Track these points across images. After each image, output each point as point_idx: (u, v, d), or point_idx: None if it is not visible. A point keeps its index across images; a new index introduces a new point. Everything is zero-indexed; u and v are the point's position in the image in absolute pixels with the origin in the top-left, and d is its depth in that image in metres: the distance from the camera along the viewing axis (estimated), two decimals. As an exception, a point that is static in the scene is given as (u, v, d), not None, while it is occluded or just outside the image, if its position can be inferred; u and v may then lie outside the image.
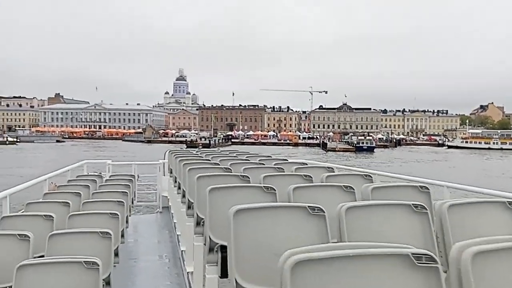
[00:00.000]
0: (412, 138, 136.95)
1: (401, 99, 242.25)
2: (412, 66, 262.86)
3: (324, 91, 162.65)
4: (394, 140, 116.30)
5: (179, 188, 5.75)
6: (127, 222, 5.06)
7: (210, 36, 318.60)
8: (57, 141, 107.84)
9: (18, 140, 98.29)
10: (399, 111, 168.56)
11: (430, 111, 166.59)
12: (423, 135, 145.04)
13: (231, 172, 4.69)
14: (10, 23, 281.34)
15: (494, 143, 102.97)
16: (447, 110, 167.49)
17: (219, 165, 5.50)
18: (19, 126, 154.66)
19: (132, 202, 6.22)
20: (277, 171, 4.78)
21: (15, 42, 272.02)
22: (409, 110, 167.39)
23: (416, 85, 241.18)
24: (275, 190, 3.13)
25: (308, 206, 2.31)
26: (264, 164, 5.63)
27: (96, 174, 8.34)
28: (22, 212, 4.70)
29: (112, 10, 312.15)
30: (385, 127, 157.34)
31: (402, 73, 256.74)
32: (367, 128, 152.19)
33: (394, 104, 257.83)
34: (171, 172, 7.70)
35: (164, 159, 10.51)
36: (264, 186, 3.18)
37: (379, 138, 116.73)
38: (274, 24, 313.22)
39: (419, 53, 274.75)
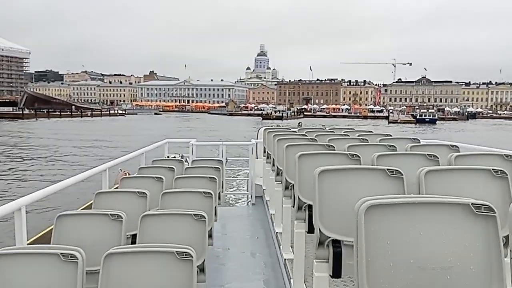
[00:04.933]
0: (489, 111, 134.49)
1: (489, 71, 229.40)
2: (503, 39, 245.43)
3: (408, 63, 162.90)
4: (467, 113, 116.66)
5: (273, 164, 5.43)
6: (215, 214, 4.30)
7: (296, 14, 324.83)
8: (155, 113, 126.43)
9: (125, 112, 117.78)
10: (484, 83, 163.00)
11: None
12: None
13: (317, 142, 4.79)
14: (109, 5, 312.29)
15: None
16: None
17: (306, 136, 5.54)
18: (120, 101, 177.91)
19: (219, 197, 5.20)
20: (361, 141, 4.90)
21: (114, 24, 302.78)
22: (496, 82, 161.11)
23: (505, 57, 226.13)
24: (359, 157, 3.29)
25: (387, 169, 2.51)
26: (348, 136, 5.66)
27: (176, 158, 6.90)
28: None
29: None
30: (467, 100, 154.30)
31: (492, 45, 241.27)
32: (446, 101, 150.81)
33: (481, 77, 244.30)
34: (268, 157, 6.61)
35: (257, 138, 9.18)
36: (349, 154, 3.34)
37: (454, 111, 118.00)
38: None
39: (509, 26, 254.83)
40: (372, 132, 6.63)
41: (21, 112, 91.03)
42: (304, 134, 6.01)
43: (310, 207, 2.96)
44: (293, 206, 3.41)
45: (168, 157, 7.74)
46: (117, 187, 5.04)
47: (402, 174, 2.50)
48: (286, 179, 4.05)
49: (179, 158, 6.99)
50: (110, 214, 3.10)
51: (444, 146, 4.32)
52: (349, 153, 3.38)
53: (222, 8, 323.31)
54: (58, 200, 10.95)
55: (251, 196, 8.57)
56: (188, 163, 6.90)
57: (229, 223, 7.02)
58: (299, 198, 3.20)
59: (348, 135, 5.81)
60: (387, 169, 2.52)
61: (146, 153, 6.79)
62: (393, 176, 2.50)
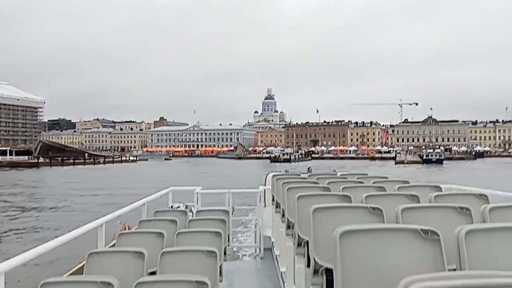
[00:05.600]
0: (498, 150, 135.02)
1: (495, 109, 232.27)
2: (508, 77, 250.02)
3: (414, 103, 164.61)
4: (474, 153, 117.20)
5: (283, 215, 5.09)
6: (220, 273, 4.02)
7: (302, 56, 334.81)
8: (165, 159, 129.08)
9: (137, 158, 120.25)
10: (491, 122, 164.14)
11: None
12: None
13: (330, 191, 4.47)
14: (120, 54, 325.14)
15: None
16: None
17: (318, 184, 5.28)
18: (130, 147, 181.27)
19: (225, 252, 4.83)
20: (378, 190, 4.55)
21: (125, 72, 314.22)
22: (502, 121, 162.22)
23: (510, 95, 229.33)
24: (382, 211, 2.95)
25: (421, 229, 2.18)
26: (363, 183, 5.40)
27: (180, 209, 6.67)
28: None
29: (206, 42, 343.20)
30: (474, 139, 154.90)
31: (497, 84, 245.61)
32: (453, 141, 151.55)
33: (488, 115, 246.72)
34: (277, 206, 6.16)
35: (265, 185, 8.95)
36: (370, 207, 3.01)
37: (461, 151, 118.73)
38: (365, 42, 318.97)
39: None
40: (387, 178, 6.27)
41: (36, 161, 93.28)
42: (315, 182, 5.71)
43: (328, 271, 2.70)
44: (307, 266, 3.09)
45: (171, 206, 7.59)
46: (114, 244, 4.75)
47: (438, 235, 2.18)
48: (298, 235, 3.68)
49: (183, 209, 6.80)
50: (100, 281, 2.87)
51: (472, 195, 3.85)
52: (369, 207, 3.02)
53: (229, 53, 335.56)
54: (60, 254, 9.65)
55: (260, 249, 8.02)
56: (193, 213, 6.61)
57: (236, 281, 6.52)
58: (315, 260, 2.85)
59: (363, 182, 5.54)
60: (421, 229, 2.20)
61: (150, 202, 6.57)
62: (428, 238, 2.18)
